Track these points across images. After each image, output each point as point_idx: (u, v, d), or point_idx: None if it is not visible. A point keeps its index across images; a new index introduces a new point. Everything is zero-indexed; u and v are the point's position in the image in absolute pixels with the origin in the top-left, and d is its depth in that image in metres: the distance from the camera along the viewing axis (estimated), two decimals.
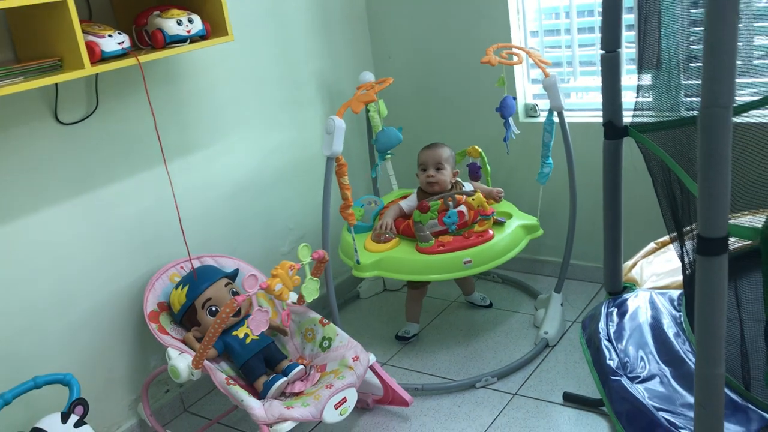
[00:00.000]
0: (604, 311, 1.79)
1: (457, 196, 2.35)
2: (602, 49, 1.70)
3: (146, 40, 1.99)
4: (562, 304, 2.56)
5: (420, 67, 2.97)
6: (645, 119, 1.69)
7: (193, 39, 2.01)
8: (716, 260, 1.11)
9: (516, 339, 2.54)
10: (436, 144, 2.53)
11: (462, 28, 2.80)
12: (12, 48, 1.84)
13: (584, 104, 2.74)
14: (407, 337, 2.62)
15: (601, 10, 1.72)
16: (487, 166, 2.65)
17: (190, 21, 1.98)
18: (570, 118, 2.69)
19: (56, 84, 1.96)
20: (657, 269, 1.98)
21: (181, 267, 2.27)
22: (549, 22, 2.73)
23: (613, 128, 1.74)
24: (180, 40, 1.96)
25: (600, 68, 1.73)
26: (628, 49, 2.48)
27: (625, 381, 1.49)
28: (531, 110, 2.83)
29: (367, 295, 3.05)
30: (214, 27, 2.07)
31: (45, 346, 2.02)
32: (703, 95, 1.05)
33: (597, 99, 2.68)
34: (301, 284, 2.01)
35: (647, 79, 1.67)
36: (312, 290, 2.05)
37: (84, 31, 1.76)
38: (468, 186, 2.50)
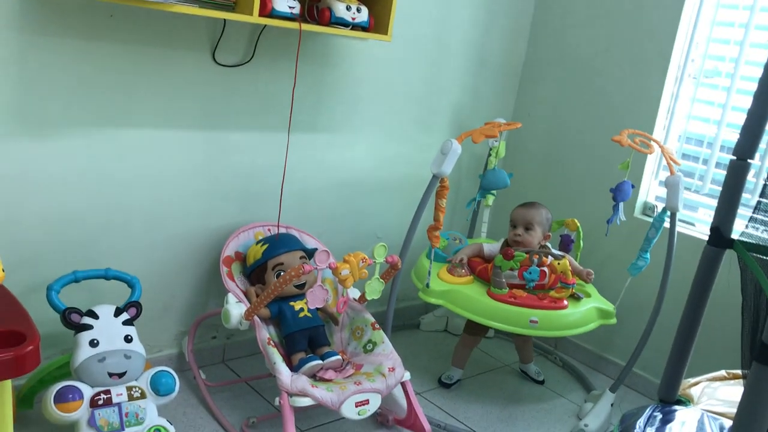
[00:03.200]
0: (648, 412, 1.71)
1: (543, 255, 2.32)
2: (734, 154, 1.66)
3: (315, 15, 2.12)
4: (612, 405, 2.46)
5: (553, 130, 2.98)
6: (758, 236, 1.63)
7: (355, 27, 2.12)
8: None
9: (554, 422, 2.46)
10: (533, 203, 2.52)
11: (607, 109, 2.79)
12: None
13: (703, 220, 2.66)
14: (449, 383, 2.59)
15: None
16: (581, 242, 2.61)
17: (359, 10, 2.10)
18: (684, 228, 2.62)
19: (224, 26, 2.12)
20: (720, 395, 1.87)
21: (269, 230, 2.36)
22: (691, 147, 2.68)
23: (719, 236, 1.68)
24: (343, 23, 2.08)
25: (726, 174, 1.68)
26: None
27: None
28: (648, 209, 2.76)
29: (426, 329, 3.04)
30: (378, 24, 2.18)
31: (126, 251, 2.16)
32: None
33: None
34: (366, 280, 2.04)
35: None
36: (375, 290, 2.07)
37: None
38: (557, 253, 2.47)
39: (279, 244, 2.21)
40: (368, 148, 2.67)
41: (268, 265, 2.18)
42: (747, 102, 2.37)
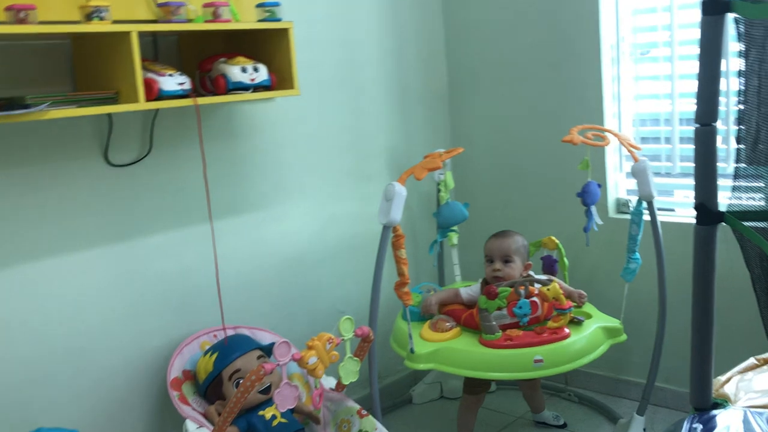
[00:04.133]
0: (686, 427, 1.68)
1: (529, 284, 2.31)
2: (696, 122, 1.69)
3: (209, 86, 2.11)
4: (645, 430, 2.43)
5: (499, 147, 3.02)
6: (747, 203, 1.64)
7: (257, 89, 2.12)
8: None
9: None
10: (505, 232, 2.53)
11: (549, 110, 2.85)
12: (73, 80, 1.99)
13: (683, 203, 2.70)
14: None
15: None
16: (565, 260, 2.61)
17: (256, 69, 2.11)
18: (666, 216, 2.65)
19: (111, 122, 2.09)
20: (756, 386, 1.85)
21: (215, 335, 2.29)
22: (648, 129, 2.76)
23: (707, 212, 1.69)
24: (243, 88, 2.08)
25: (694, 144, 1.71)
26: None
27: None
28: (623, 206, 2.80)
29: (421, 401, 2.98)
30: (281, 79, 2.19)
31: (56, 399, 2.05)
32: None
33: None
34: (339, 363, 1.98)
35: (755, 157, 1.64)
36: (351, 371, 2.00)
37: (145, 68, 1.90)
38: (543, 278, 2.46)
39: (230, 348, 2.15)
40: (304, 215, 2.65)
41: (222, 376, 2.11)
42: (693, 67, 2.44)
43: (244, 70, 2.08)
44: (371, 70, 2.83)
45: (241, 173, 2.45)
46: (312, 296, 2.69)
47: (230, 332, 2.28)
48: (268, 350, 2.20)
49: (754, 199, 1.61)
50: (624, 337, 2.41)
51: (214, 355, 2.13)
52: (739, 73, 1.61)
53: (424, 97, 3.05)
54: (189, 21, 1.98)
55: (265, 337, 2.34)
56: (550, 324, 2.29)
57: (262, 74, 2.12)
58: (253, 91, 2.11)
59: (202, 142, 2.17)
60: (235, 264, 2.43)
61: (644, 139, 2.78)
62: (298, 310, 2.65)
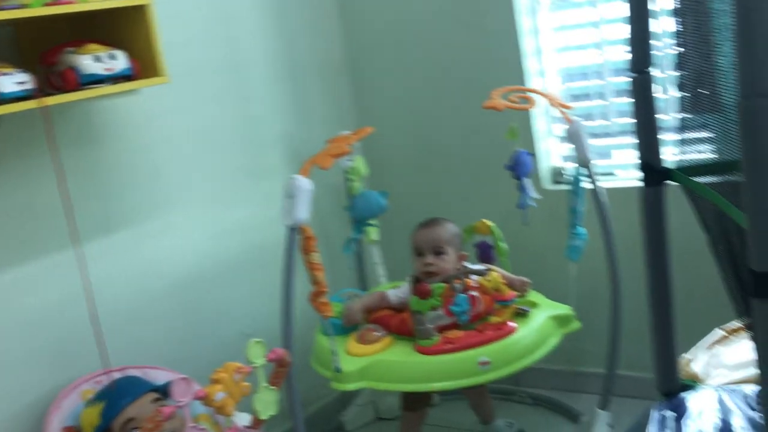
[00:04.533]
0: (656, 416, 1.73)
1: (466, 279, 2.33)
2: (630, 71, 1.73)
3: (56, 83, 2.03)
4: (611, 426, 2.49)
5: (414, 123, 3.04)
6: (695, 157, 1.69)
7: (117, 80, 2.05)
8: None
9: None
10: (434, 221, 2.55)
11: (466, 75, 2.88)
12: None
13: (623, 165, 2.78)
14: None
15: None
16: (502, 244, 2.65)
17: (112, 57, 2.04)
18: (607, 181, 2.71)
19: None
20: (726, 360, 1.93)
21: (97, 381, 2.23)
22: (578, 84, 2.82)
23: (651, 171, 1.74)
24: (98, 81, 2.01)
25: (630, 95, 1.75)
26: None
27: None
28: (559, 175, 2.86)
29: (353, 427, 2.98)
30: (146, 66, 2.12)
31: None
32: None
33: None
34: (252, 395, 1.95)
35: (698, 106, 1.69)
36: (268, 403, 1.99)
37: None
38: (480, 268, 2.49)
39: (118, 394, 2.10)
40: (192, 226, 2.61)
41: (113, 428, 2.06)
42: (620, 10, 2.50)
43: (97, 59, 2.01)
44: (254, 46, 2.80)
45: (108, 183, 2.38)
46: (212, 321, 2.64)
47: (117, 375, 2.22)
48: (164, 391, 2.14)
49: (700, 151, 1.66)
50: (577, 324, 2.45)
51: (100, 405, 2.08)
52: (674, 12, 1.65)
53: (320, 71, 3.03)
54: (24, 6, 1.90)
55: (159, 376, 2.29)
56: (493, 319, 2.31)
57: (121, 62, 2.06)
58: (113, 83, 2.05)
59: (56, 150, 2.09)
60: (113, 293, 2.36)
61: (575, 97, 2.84)
62: (197, 340, 2.60)
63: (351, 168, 2.78)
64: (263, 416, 2.00)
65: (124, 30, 2.12)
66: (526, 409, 2.89)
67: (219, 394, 1.84)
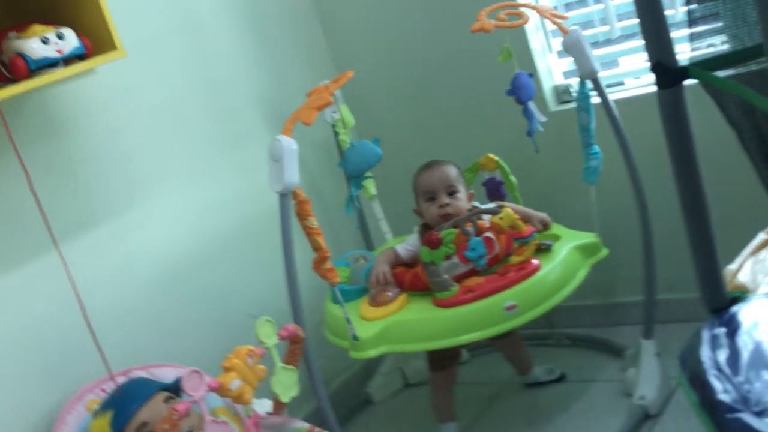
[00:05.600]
0: (707, 336, 1.74)
1: (476, 218, 2.33)
2: None
3: (5, 74, 2.01)
4: (658, 354, 2.51)
5: (398, 61, 3.03)
6: (711, 51, 1.68)
7: (69, 61, 2.03)
8: None
9: (605, 416, 2.50)
10: (437, 162, 2.56)
11: (448, 3, 2.86)
12: None
13: (631, 72, 2.78)
14: None
15: None
16: (511, 178, 2.66)
17: (60, 37, 2.01)
18: (617, 92, 2.71)
19: None
20: None
21: (102, 389, 2.24)
22: None
23: (666, 71, 1.72)
24: (50, 65, 1.99)
25: None
26: None
27: (748, 418, 1.43)
28: (564, 93, 2.86)
29: (381, 397, 3.02)
30: (97, 43, 2.10)
31: None
32: None
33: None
34: (269, 378, 1.97)
35: None
36: (288, 384, 2.01)
37: None
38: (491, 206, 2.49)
39: (126, 399, 2.10)
40: (173, 209, 2.61)
41: None
42: None
43: (45, 41, 1.99)
44: (211, 2, 2.78)
45: (78, 176, 2.37)
46: (212, 306, 2.66)
47: (121, 380, 2.23)
48: (176, 388, 2.15)
49: (715, 45, 1.65)
50: (605, 251, 2.47)
51: (109, 414, 2.08)
52: None
53: (287, 19, 3.02)
54: None
55: (167, 374, 2.30)
56: (513, 259, 2.32)
57: (71, 41, 2.03)
58: (65, 65, 2.03)
59: (15, 145, 2.07)
60: (102, 293, 2.36)
61: (568, 5, 2.81)
62: (200, 328, 2.61)
63: (336, 120, 2.77)
64: (284, 399, 2.02)
65: (69, 4, 2.10)
66: (565, 351, 2.92)
67: (234, 382, 1.85)
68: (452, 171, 2.52)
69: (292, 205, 2.18)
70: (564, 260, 2.37)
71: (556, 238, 2.47)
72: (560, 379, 2.75)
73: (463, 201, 2.49)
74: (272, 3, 2.97)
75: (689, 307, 2.71)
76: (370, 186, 2.84)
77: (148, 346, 2.45)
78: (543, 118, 2.58)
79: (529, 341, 2.96)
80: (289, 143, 2.13)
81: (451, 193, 2.49)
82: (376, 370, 3.06)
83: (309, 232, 2.18)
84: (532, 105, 2.54)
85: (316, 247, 2.20)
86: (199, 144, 2.70)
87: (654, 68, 1.72)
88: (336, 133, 2.79)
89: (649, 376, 2.47)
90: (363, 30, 3.06)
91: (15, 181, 2.15)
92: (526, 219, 2.49)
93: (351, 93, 3.00)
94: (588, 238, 2.46)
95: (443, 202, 2.47)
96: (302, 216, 2.17)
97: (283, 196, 2.16)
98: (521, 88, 2.49)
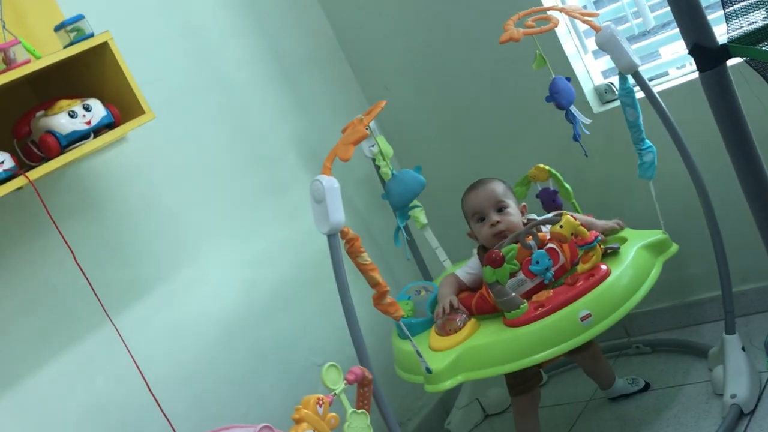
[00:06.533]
0: None
1: (536, 230, 2.32)
2: None
3: (37, 153, 2.05)
4: (743, 349, 2.47)
5: (430, 89, 3.05)
6: (751, 27, 1.67)
7: (99, 131, 2.07)
8: None
9: (696, 420, 2.47)
10: (481, 180, 2.57)
11: (472, 17, 2.87)
12: None
13: (672, 62, 2.76)
14: None
15: None
16: (566, 185, 2.65)
17: (87, 108, 2.05)
18: (661, 84, 2.70)
19: None
20: None
21: None
22: None
23: (705, 53, 1.71)
24: (80, 138, 2.03)
25: None
26: None
27: None
28: (606, 93, 2.84)
29: (463, 431, 2.98)
30: (125, 109, 2.14)
31: None
32: None
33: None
34: (342, 425, 1.97)
35: None
36: (361, 429, 1.98)
37: None
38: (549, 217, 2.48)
39: None
40: (224, 263, 2.64)
41: None
42: None
43: (72, 114, 2.03)
44: (234, 55, 2.83)
45: (121, 246, 2.40)
46: (274, 360, 2.67)
47: None
48: None
49: (755, 22, 1.64)
50: (675, 247, 2.45)
51: None
52: None
53: (313, 60, 3.06)
54: None
55: None
56: (581, 267, 2.30)
57: (98, 111, 2.07)
58: (95, 136, 2.07)
59: (56, 224, 2.11)
60: (161, 361, 2.38)
61: (597, 2, 2.81)
62: (264, 384, 2.63)
63: (375, 153, 2.78)
64: None
65: (91, 76, 2.15)
66: (646, 359, 2.89)
67: None
68: (498, 187, 2.52)
69: (342, 245, 2.19)
70: (634, 261, 2.34)
71: (623, 240, 2.45)
72: (645, 388, 2.72)
73: (515, 215, 2.48)
74: (296, 45, 3.02)
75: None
76: (420, 215, 2.84)
77: (215, 408, 2.47)
78: (587, 121, 2.57)
79: (608, 353, 2.94)
80: (330, 182, 2.14)
81: (501, 209, 2.48)
82: (453, 404, 3.03)
83: (363, 269, 2.18)
84: (573, 109, 2.54)
85: (374, 283, 2.19)
86: (240, 196, 2.72)
87: (692, 51, 1.72)
88: (377, 167, 2.80)
89: (737, 373, 2.42)
90: (390, 57, 3.08)
91: (60, 259, 2.20)
92: (594, 228, 2.47)
93: (387, 123, 3.02)
94: (655, 235, 2.44)
95: (494, 221, 2.46)
96: (354, 254, 2.18)
97: (332, 236, 2.16)
98: (560, 93, 2.49)
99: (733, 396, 2.36)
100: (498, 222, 2.46)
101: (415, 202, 2.82)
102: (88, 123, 2.05)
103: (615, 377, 2.75)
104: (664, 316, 2.96)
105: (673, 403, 2.58)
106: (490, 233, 2.47)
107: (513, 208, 2.49)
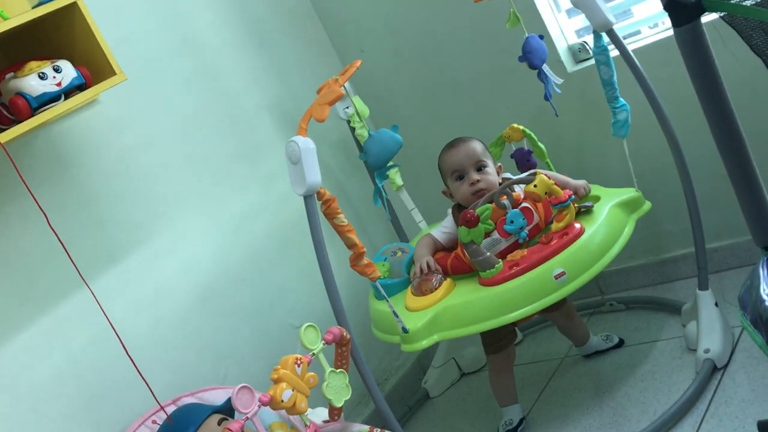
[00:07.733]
0: (763, 272, 1.71)
1: (510, 190, 2.33)
2: None
3: (7, 116, 2.02)
4: (716, 304, 2.49)
5: (404, 48, 3.03)
6: None
7: (70, 93, 2.04)
8: None
9: (670, 375, 2.48)
10: (461, 139, 2.56)
11: None
12: None
13: (646, 19, 2.76)
14: (513, 428, 2.56)
15: None
16: (540, 145, 2.65)
17: (57, 70, 2.02)
18: (634, 42, 2.69)
19: None
20: None
21: (153, 421, 2.24)
22: None
23: (679, 8, 1.70)
24: (51, 100, 2.00)
25: None
26: None
27: None
28: (579, 51, 2.83)
29: (439, 391, 3.02)
30: (95, 71, 2.11)
31: None
32: None
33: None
34: (321, 385, 1.97)
35: None
36: (339, 388, 2.01)
37: None
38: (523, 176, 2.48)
39: (179, 427, 2.10)
40: (202, 228, 2.63)
41: None
42: None
43: (42, 76, 2.00)
44: (206, 14, 2.80)
45: (94, 210, 2.38)
46: (252, 321, 2.67)
47: (171, 409, 2.24)
48: (228, 409, 2.16)
49: None
50: (648, 204, 2.47)
51: None
52: None
53: (287, 20, 3.04)
54: None
55: (217, 396, 2.30)
56: (555, 226, 2.31)
57: (68, 72, 2.04)
58: (66, 98, 2.04)
59: (28, 187, 2.08)
60: (138, 323, 2.38)
61: None
62: (242, 345, 2.63)
63: (351, 115, 2.76)
64: (338, 403, 2.01)
65: (61, 37, 2.11)
66: (620, 316, 2.91)
67: (285, 393, 1.86)
68: (478, 146, 2.52)
69: (318, 206, 2.19)
70: (608, 219, 2.35)
71: (596, 198, 2.46)
72: (619, 345, 2.74)
73: (493, 175, 2.48)
74: (269, 8, 2.98)
75: (741, 252, 2.74)
76: (396, 176, 2.84)
77: (192, 370, 2.47)
78: (559, 80, 2.57)
79: (582, 311, 2.96)
80: (305, 143, 2.13)
81: (480, 168, 2.48)
82: (430, 364, 3.05)
83: (340, 230, 2.19)
84: (546, 68, 2.53)
85: (350, 244, 2.20)
86: (216, 160, 2.71)
87: (667, 6, 1.70)
88: (352, 128, 2.78)
89: (710, 328, 2.43)
90: (364, 18, 3.06)
91: (34, 223, 2.18)
92: (563, 186, 2.47)
93: (361, 86, 3.01)
94: (628, 193, 2.46)
95: (474, 179, 2.46)
96: (330, 215, 2.18)
97: (308, 198, 2.16)
98: (532, 52, 2.48)
99: (707, 351, 2.38)
100: (478, 180, 2.46)
101: (392, 162, 2.82)
102: (59, 84, 2.02)
103: (589, 334, 2.76)
104: (638, 274, 2.97)
105: (647, 359, 2.60)
106: (470, 191, 2.47)
107: (491, 168, 2.50)
